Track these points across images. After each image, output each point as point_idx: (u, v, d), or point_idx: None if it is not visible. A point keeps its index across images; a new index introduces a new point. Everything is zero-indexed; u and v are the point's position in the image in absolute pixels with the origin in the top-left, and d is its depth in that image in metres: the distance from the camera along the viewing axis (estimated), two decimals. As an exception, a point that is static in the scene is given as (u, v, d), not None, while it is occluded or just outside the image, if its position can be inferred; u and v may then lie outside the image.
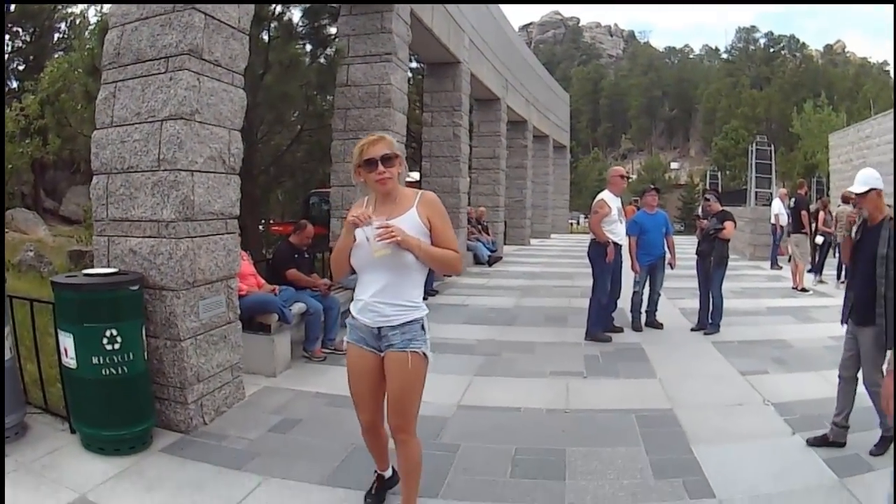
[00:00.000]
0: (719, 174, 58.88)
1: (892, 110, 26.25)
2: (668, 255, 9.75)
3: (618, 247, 8.84)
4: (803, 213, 13.97)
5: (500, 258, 19.17)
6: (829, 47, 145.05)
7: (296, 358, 7.36)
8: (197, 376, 5.21)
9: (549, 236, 31.60)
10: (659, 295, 9.75)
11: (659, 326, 9.54)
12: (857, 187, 4.65)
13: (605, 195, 8.95)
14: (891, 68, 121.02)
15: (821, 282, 13.93)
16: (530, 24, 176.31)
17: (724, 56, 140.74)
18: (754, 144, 28.68)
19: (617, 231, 8.84)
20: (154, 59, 5.22)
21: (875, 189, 4.62)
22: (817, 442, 4.80)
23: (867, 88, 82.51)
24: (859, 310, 4.60)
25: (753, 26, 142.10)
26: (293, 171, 16.48)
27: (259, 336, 6.72)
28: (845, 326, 4.84)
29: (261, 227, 16.72)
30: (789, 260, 13.96)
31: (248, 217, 13.83)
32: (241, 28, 5.85)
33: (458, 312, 10.71)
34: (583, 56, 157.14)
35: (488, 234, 19.47)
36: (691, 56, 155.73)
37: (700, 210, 13.12)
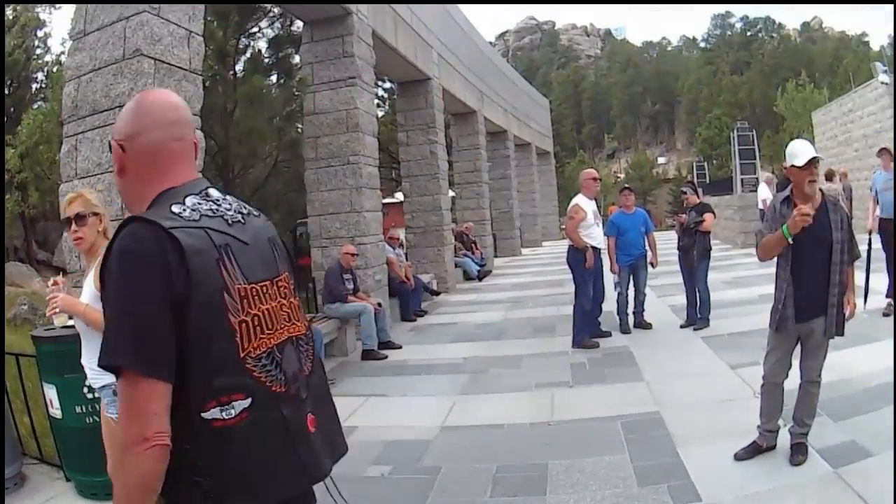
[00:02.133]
0: (706, 164, 58.71)
1: (872, 80, 26.63)
2: (649, 255, 9.83)
3: (597, 250, 8.91)
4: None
5: (490, 272, 19.37)
6: (806, 25, 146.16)
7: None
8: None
9: (540, 244, 31.86)
10: (644, 295, 9.84)
11: (648, 326, 9.62)
12: (801, 159, 4.37)
13: (580, 199, 9.04)
14: (870, 39, 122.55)
15: None
16: (506, 32, 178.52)
17: (702, 45, 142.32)
18: (736, 131, 28.83)
19: (594, 235, 8.93)
20: (109, 108, 5.45)
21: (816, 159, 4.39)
22: (748, 453, 4.65)
23: (847, 62, 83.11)
24: (809, 304, 4.41)
25: (728, 12, 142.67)
26: (275, 203, 16.69)
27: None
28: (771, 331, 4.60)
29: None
30: None
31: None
32: (193, 69, 6.04)
33: (445, 331, 10.86)
34: (561, 59, 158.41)
35: (477, 248, 19.66)
36: (669, 48, 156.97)
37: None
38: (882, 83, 25.44)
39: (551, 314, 11.55)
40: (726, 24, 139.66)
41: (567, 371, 7.64)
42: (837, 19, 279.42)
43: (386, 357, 9.14)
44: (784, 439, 4.67)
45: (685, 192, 10.16)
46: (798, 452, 4.50)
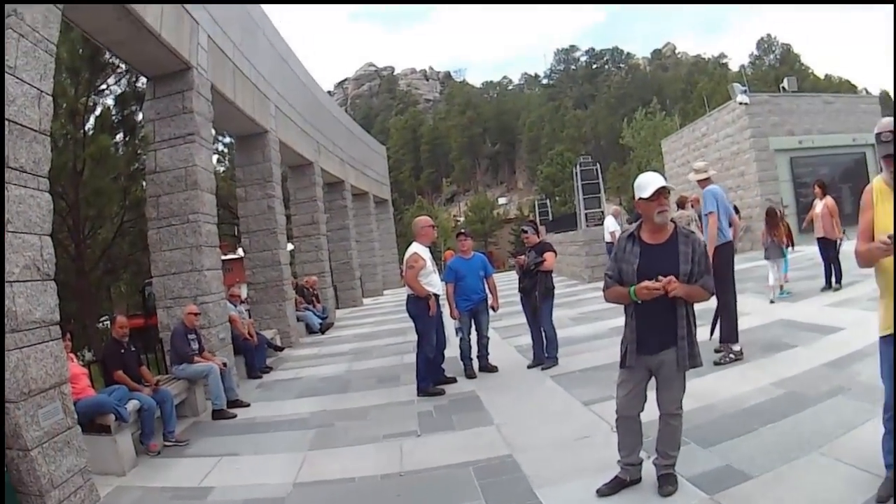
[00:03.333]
0: (548, 202, 60.22)
1: (729, 102, 28.42)
2: (490, 298, 10.00)
3: (437, 297, 9.11)
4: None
5: (332, 324, 19.67)
6: (657, 52, 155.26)
7: (141, 454, 7.55)
8: (51, 483, 5.54)
9: (381, 293, 32.30)
10: (487, 338, 9.98)
11: (493, 370, 9.79)
12: (647, 191, 4.48)
13: (416, 247, 9.20)
14: (728, 60, 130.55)
15: None
16: (345, 80, 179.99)
17: (545, 81, 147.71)
18: (578, 166, 30.29)
19: (434, 282, 9.16)
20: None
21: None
22: (611, 489, 4.73)
23: (701, 86, 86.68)
24: (657, 337, 4.49)
25: (573, 46, 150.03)
26: (124, 263, 16.46)
27: (101, 437, 6.98)
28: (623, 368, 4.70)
29: (101, 324, 16.52)
30: None
31: (86, 316, 13.77)
32: (43, 130, 6.17)
33: (290, 387, 11.00)
34: (399, 105, 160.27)
35: (318, 301, 19.98)
36: (510, 87, 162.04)
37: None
38: (740, 103, 26.98)
39: (395, 363, 11.81)
40: (570, 58, 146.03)
41: (414, 420, 7.81)
42: (692, 45, 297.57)
43: (235, 416, 9.30)
44: (651, 471, 4.77)
45: (525, 232, 10.26)
46: (666, 483, 4.61)
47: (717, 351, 8.52)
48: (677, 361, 4.49)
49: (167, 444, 7.93)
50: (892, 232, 3.58)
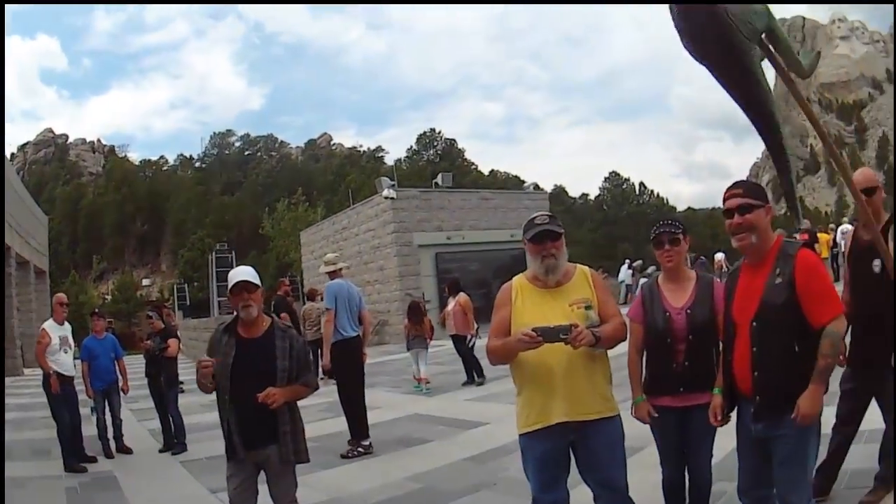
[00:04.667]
0: (186, 286, 59.04)
1: (374, 196, 28.94)
2: (121, 380, 9.95)
3: (66, 377, 9.02)
4: (283, 315, 13.85)
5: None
6: (311, 142, 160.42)
7: None
8: None
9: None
10: (120, 420, 9.86)
11: (129, 451, 9.65)
12: (230, 283, 4.39)
13: (48, 325, 9.21)
14: (385, 154, 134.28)
15: None
16: (27, 143, 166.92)
17: (198, 164, 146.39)
18: (214, 252, 30.78)
19: (61, 361, 9.05)
20: None
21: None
22: None
23: (350, 179, 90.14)
24: (259, 431, 4.35)
25: (230, 130, 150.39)
26: None
27: None
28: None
29: None
30: None
31: None
32: None
33: None
34: (67, 175, 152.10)
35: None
36: (165, 168, 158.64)
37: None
38: (386, 198, 27.31)
39: (49, 436, 10.26)
40: (225, 143, 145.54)
41: (63, 496, 7.58)
42: (348, 138, 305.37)
43: None
44: None
45: (151, 317, 10.45)
46: None
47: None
48: (280, 456, 4.37)
49: None
50: (535, 326, 3.54)
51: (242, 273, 4.42)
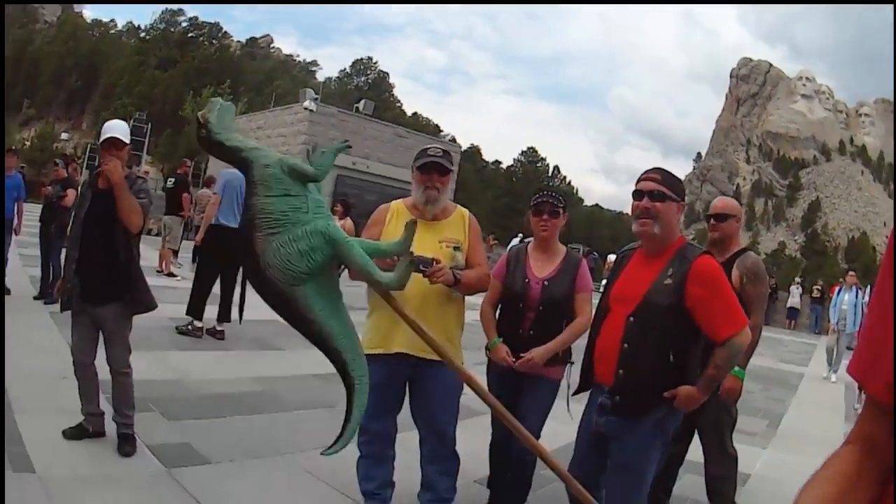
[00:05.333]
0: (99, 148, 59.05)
1: (295, 104, 29.45)
2: (16, 221, 9.96)
3: None
4: (185, 194, 14.45)
5: None
6: (253, 40, 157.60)
7: None
8: None
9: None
10: (6, 259, 9.76)
11: (7, 293, 9.19)
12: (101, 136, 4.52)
13: None
14: (318, 69, 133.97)
15: None
16: None
17: (143, 35, 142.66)
18: (132, 120, 29.79)
19: None
20: None
21: None
22: (74, 434, 4.60)
23: (278, 84, 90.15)
24: (99, 285, 4.47)
25: (181, 9, 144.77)
26: None
27: None
28: None
29: None
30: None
31: None
32: None
33: None
34: (25, 20, 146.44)
35: None
36: (113, 31, 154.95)
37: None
38: (305, 108, 27.79)
39: None
40: (173, 20, 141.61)
41: None
42: (289, 43, 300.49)
43: None
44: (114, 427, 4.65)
45: (57, 165, 10.54)
46: (125, 443, 4.51)
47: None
48: (117, 314, 4.46)
49: None
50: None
51: (114, 129, 4.50)
